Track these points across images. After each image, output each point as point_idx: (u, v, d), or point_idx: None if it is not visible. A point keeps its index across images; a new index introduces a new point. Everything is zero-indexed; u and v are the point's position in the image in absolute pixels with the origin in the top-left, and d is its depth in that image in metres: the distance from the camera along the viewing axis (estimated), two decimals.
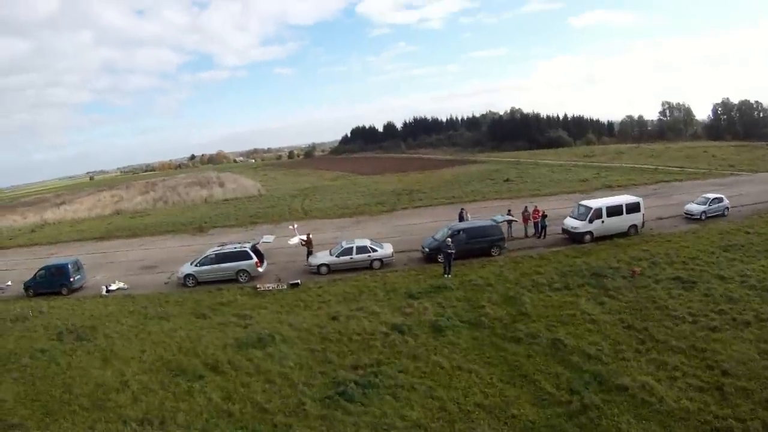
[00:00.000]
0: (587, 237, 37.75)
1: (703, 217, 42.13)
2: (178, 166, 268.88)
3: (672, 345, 20.76)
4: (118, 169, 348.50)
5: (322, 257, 35.85)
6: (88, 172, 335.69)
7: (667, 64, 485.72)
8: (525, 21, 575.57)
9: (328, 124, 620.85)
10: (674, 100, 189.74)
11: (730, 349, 19.99)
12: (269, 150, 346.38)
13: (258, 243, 37.38)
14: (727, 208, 43.39)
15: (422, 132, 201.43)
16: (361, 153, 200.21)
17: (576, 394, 17.74)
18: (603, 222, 38.03)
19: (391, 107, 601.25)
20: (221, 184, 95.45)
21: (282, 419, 17.61)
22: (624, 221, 38.70)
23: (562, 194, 61.16)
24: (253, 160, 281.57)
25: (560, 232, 39.69)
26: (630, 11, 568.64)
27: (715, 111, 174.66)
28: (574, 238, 38.18)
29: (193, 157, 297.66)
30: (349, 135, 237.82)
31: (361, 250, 35.38)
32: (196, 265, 35.03)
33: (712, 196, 44.12)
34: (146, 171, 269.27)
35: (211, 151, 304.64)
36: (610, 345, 21.24)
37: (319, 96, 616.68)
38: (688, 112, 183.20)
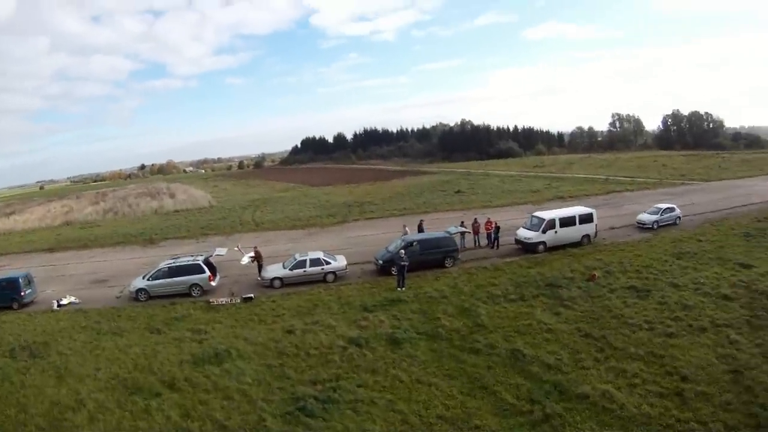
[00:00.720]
0: (541, 247, 38.59)
1: (656, 227, 43.57)
2: (128, 176, 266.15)
3: (630, 352, 21.38)
4: (68, 178, 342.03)
5: (275, 270, 35.72)
6: (38, 182, 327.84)
7: (619, 76, 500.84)
8: (478, 34, 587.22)
9: (278, 134, 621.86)
10: (624, 112, 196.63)
11: (688, 354, 20.73)
12: (219, 160, 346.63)
13: (211, 256, 37.24)
14: (679, 217, 45.01)
15: (373, 143, 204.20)
16: (311, 164, 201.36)
17: (537, 403, 18.06)
18: (556, 232, 38.98)
19: (341, 118, 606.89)
20: (171, 195, 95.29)
21: None
22: (577, 231, 39.76)
23: (513, 205, 62.36)
24: (203, 171, 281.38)
25: (513, 242, 40.41)
26: (583, 25, 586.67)
27: (665, 122, 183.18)
28: (527, 248, 38.96)
29: (143, 167, 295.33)
30: (299, 146, 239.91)
31: (315, 262, 35.40)
32: (148, 279, 34.71)
33: (663, 206, 45.77)
34: (96, 181, 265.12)
35: (161, 160, 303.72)
36: (568, 354, 21.72)
37: (270, 106, 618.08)
38: (638, 123, 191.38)
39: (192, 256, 37.90)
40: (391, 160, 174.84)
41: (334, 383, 20.69)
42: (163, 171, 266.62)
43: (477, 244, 42.13)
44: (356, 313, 28.57)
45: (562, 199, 62.81)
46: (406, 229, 41.90)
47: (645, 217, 44.94)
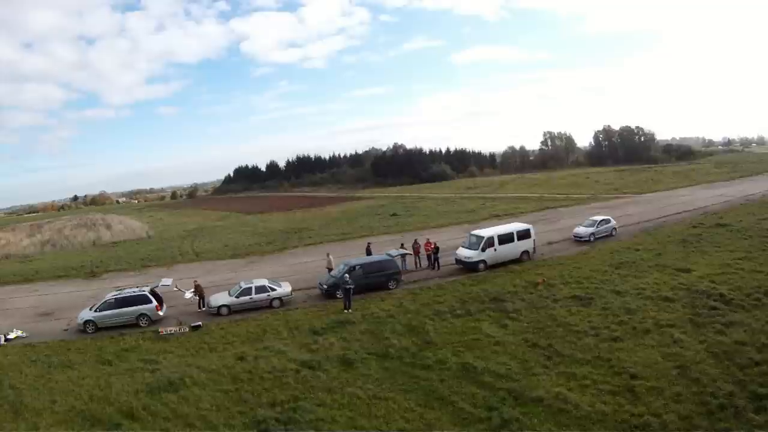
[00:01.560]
0: (481, 266, 39.75)
1: (592, 239, 45.62)
2: (62, 207, 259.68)
3: (578, 357, 22.70)
4: (0, 210, 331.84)
5: (221, 298, 36.27)
6: None
7: (549, 96, 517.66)
8: (408, 59, 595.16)
9: (210, 164, 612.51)
10: (556, 130, 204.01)
11: (635, 355, 22.16)
12: (152, 190, 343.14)
13: (157, 286, 37.64)
14: (615, 228, 47.29)
15: (306, 170, 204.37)
16: (244, 193, 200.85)
17: (494, 410, 18.97)
18: (495, 250, 40.26)
19: (272, 146, 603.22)
20: (108, 226, 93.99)
21: None
22: (516, 248, 41.21)
23: (450, 225, 63.97)
24: (136, 201, 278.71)
25: (454, 262, 41.52)
26: (511, 47, 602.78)
27: (596, 138, 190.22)
28: (468, 267, 40.10)
29: (75, 198, 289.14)
30: (231, 175, 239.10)
31: (260, 289, 36.03)
32: (95, 311, 34.98)
33: (599, 218, 48.05)
34: (30, 212, 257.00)
35: (93, 191, 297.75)
36: (518, 363, 22.80)
37: (201, 136, 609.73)
38: (569, 140, 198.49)
39: (138, 287, 38.34)
40: (325, 187, 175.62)
41: (292, 404, 21.11)
42: (96, 202, 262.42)
43: (418, 265, 43.06)
44: (306, 336, 29.15)
45: (498, 217, 64.66)
46: (330, 257, 42.69)
47: (581, 230, 46.95)
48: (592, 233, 45.99)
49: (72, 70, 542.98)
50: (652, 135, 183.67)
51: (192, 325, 33.34)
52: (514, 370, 22.11)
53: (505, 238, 40.86)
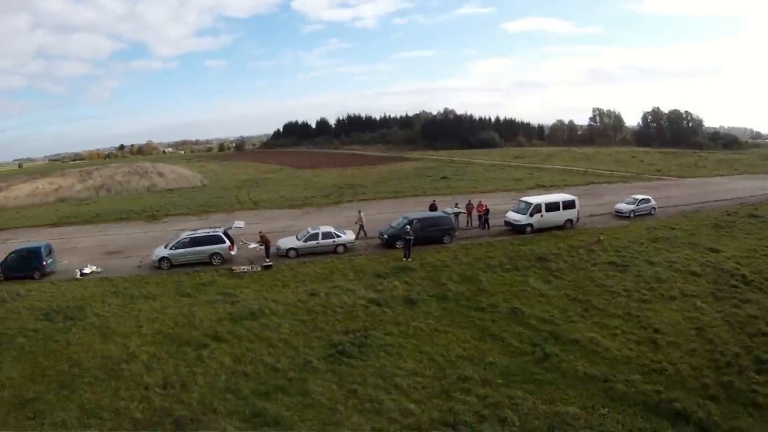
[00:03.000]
0: (528, 228, 42.82)
1: (632, 216, 48.08)
2: (107, 156, 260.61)
3: (611, 312, 25.98)
4: (45, 157, 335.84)
5: (290, 242, 39.22)
6: (15, 160, 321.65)
7: (600, 72, 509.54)
8: (458, 24, 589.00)
9: (256, 118, 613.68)
10: (605, 107, 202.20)
11: (660, 315, 25.31)
12: (197, 142, 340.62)
13: (230, 228, 39.69)
14: (654, 208, 49.67)
15: (355, 129, 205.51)
16: (293, 148, 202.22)
17: (537, 346, 22.50)
18: (542, 216, 43.23)
19: (318, 104, 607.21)
20: (160, 174, 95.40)
21: (295, 375, 20.81)
22: (561, 216, 44.12)
23: (498, 191, 66.72)
24: (182, 152, 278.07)
25: (502, 224, 44.60)
26: (564, 20, 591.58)
27: (645, 119, 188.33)
28: (516, 229, 43.21)
29: (122, 147, 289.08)
30: (281, 130, 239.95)
31: (327, 235, 38.99)
32: (171, 248, 37.12)
33: (640, 197, 50.41)
34: (75, 160, 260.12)
35: (139, 141, 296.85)
36: (559, 312, 26.20)
37: (248, 90, 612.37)
38: (618, 118, 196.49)
39: (212, 227, 40.79)
40: (374, 147, 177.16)
41: (363, 333, 24.41)
42: (143, 152, 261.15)
43: (470, 224, 46.28)
44: (370, 279, 32.39)
45: (544, 188, 66.61)
46: (361, 214, 44.85)
47: (622, 206, 49.42)
48: (633, 210, 48.33)
49: (121, 22, 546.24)
50: (700, 121, 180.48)
51: (264, 264, 35.98)
52: (556, 316, 25.51)
53: (552, 206, 43.74)
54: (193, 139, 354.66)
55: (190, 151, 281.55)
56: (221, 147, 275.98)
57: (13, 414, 18.92)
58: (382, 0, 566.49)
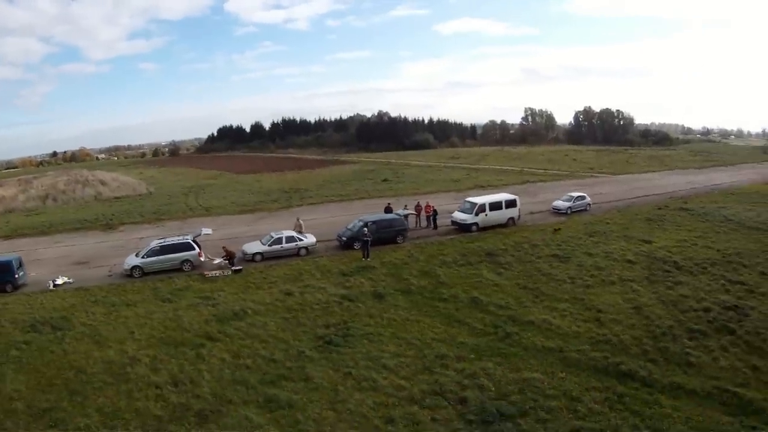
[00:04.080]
0: (474, 227, 46.44)
1: (569, 212, 52.53)
2: (41, 164, 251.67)
3: (558, 297, 29.83)
4: None
5: (255, 247, 41.43)
6: None
7: (532, 71, 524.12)
8: (392, 25, 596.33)
9: (188, 122, 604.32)
10: (537, 107, 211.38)
11: (602, 298, 29.30)
12: (130, 147, 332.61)
13: (198, 235, 41.38)
14: (589, 204, 54.31)
15: (290, 133, 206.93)
16: (228, 152, 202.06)
17: (499, 327, 26.03)
18: (486, 215, 47.00)
19: (251, 107, 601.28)
20: (102, 183, 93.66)
21: (293, 364, 23.26)
22: (503, 214, 48.05)
23: (439, 192, 70.14)
24: (116, 158, 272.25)
25: (450, 224, 48.15)
26: (498, 21, 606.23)
27: (576, 118, 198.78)
28: (462, 228, 46.77)
29: (55, 154, 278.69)
30: (215, 134, 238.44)
31: (290, 239, 41.46)
32: (142, 257, 38.43)
33: (576, 194, 55.12)
34: (8, 168, 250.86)
35: (72, 147, 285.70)
36: (513, 299, 29.79)
37: (180, 93, 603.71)
38: (549, 118, 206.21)
39: (180, 235, 42.23)
40: (309, 150, 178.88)
41: (344, 326, 27.16)
42: (76, 158, 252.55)
43: (418, 224, 49.56)
44: (337, 277, 35.11)
45: (482, 188, 70.49)
46: (300, 221, 46.43)
47: (560, 203, 53.91)
48: (569, 207, 52.75)
49: (54, 24, 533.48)
50: (631, 119, 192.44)
51: (234, 268, 37.92)
52: (511, 303, 29.04)
53: (495, 206, 47.56)
54: (125, 144, 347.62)
55: (124, 157, 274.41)
56: (156, 152, 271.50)
57: (33, 424, 19.77)
58: (315, 1, 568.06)
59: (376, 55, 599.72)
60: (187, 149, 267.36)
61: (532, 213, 53.18)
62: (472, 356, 23.11)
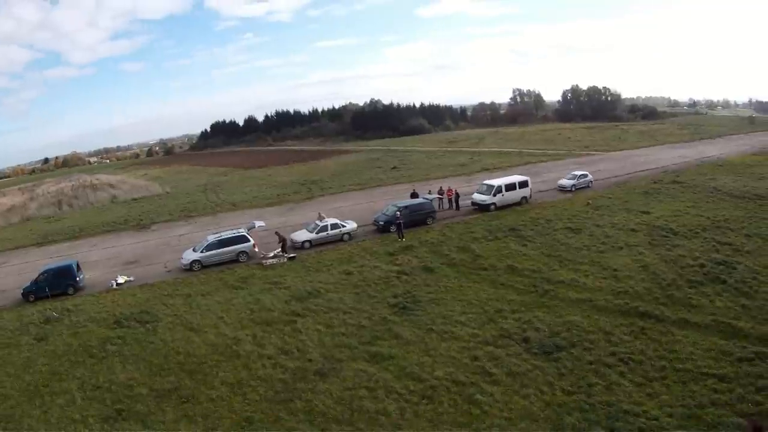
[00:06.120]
0: (492, 207, 52.02)
1: (573, 189, 58.35)
2: (32, 171, 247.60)
3: (579, 261, 35.82)
4: None
5: (303, 235, 45.38)
6: None
7: (518, 51, 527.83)
8: (373, 11, 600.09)
9: (175, 119, 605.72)
10: (525, 87, 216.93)
11: (615, 260, 35.37)
12: (119, 148, 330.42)
13: (252, 228, 44.59)
14: (591, 181, 60.26)
15: (285, 125, 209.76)
16: (224, 148, 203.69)
17: (537, 287, 32.10)
18: (503, 195, 52.72)
19: (237, 100, 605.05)
20: (111, 185, 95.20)
21: (381, 327, 28.07)
22: (518, 194, 53.81)
23: (449, 177, 74.29)
24: (108, 161, 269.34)
25: (470, 205, 53.85)
26: (478, 1, 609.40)
27: (564, 96, 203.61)
28: (482, 208, 52.48)
29: (46, 160, 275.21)
30: (208, 130, 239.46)
31: (334, 226, 45.45)
32: (201, 251, 41.30)
33: (579, 172, 61.12)
34: (1, 178, 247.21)
35: (60, 153, 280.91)
36: (542, 264, 35.74)
37: (166, 91, 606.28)
38: (538, 97, 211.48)
39: (233, 229, 45.50)
40: (307, 141, 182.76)
41: (409, 294, 32.09)
42: (68, 163, 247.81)
43: (441, 207, 54.88)
44: (385, 257, 39.90)
45: (488, 171, 76.28)
46: (322, 215, 48.54)
47: (565, 182, 59.79)
48: (574, 185, 58.45)
49: (35, 30, 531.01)
50: (618, 95, 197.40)
51: (289, 256, 41.22)
52: (541, 268, 34.96)
53: (510, 187, 53.25)
54: (114, 146, 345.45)
55: (116, 159, 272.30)
56: (149, 152, 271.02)
57: (164, 403, 22.69)
58: None
59: (360, 41, 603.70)
60: (181, 147, 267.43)
61: (540, 191, 58.55)
62: (523, 309, 29.05)
